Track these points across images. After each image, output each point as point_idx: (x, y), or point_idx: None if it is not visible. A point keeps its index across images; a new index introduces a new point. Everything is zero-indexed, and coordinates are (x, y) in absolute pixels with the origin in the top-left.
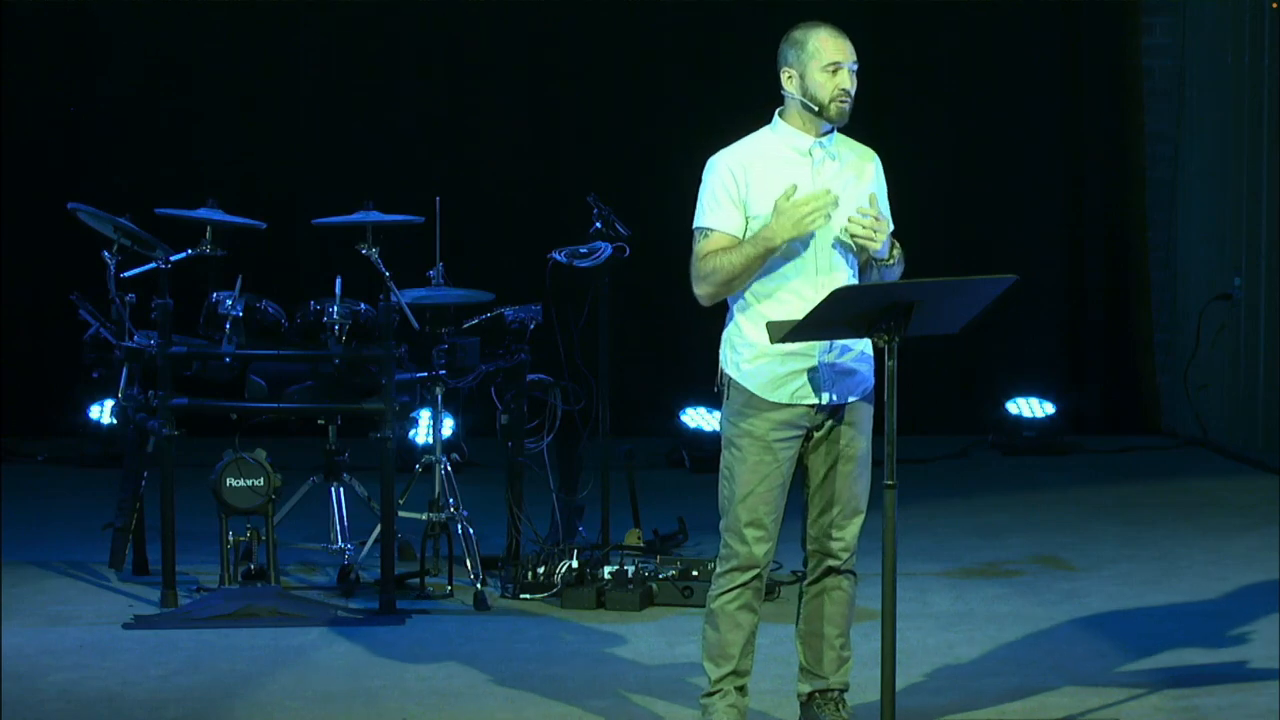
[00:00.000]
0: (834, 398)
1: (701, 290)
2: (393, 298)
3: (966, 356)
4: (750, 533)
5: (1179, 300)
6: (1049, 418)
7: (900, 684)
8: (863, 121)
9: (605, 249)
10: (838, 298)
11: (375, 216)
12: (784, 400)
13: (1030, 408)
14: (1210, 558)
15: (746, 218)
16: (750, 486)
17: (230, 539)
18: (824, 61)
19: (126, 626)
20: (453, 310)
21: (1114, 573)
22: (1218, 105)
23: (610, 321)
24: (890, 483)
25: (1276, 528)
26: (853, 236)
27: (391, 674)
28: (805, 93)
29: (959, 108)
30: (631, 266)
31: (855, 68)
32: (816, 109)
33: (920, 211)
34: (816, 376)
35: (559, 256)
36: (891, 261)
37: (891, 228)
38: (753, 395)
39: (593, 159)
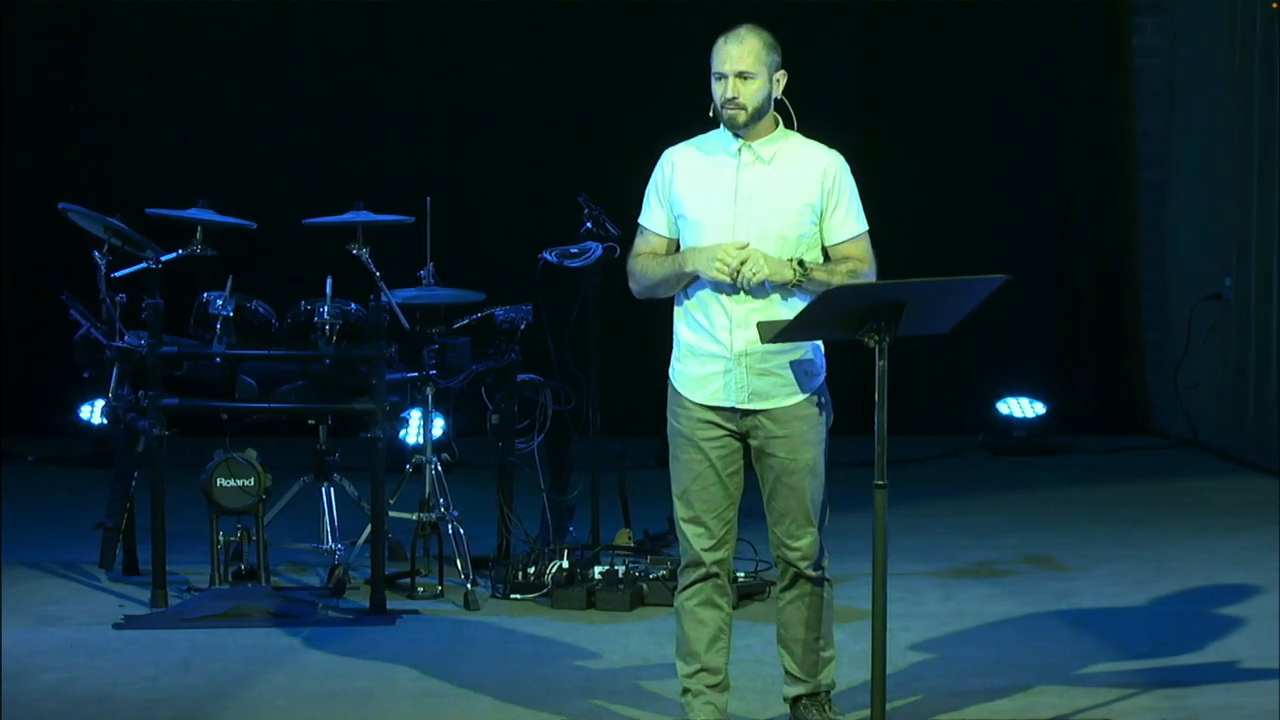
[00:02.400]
0: (753, 402)
1: (632, 286)
2: (383, 298)
3: (957, 356)
4: (689, 529)
5: (1170, 300)
6: (1040, 418)
7: (891, 684)
8: (855, 121)
9: (596, 249)
10: (828, 298)
11: (366, 216)
12: (704, 401)
13: (1021, 408)
14: (1201, 557)
15: (672, 217)
16: (684, 484)
17: (221, 539)
18: (712, 70)
19: (117, 627)
20: (443, 310)
21: (1105, 573)
22: (1208, 106)
23: (601, 321)
24: (881, 483)
25: (1268, 527)
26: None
27: (382, 674)
28: (712, 100)
29: (950, 108)
30: (622, 266)
31: (748, 75)
32: (715, 114)
33: (912, 211)
34: (733, 380)
35: (550, 256)
36: (796, 282)
37: (855, 232)
38: (680, 394)
39: (583, 159)
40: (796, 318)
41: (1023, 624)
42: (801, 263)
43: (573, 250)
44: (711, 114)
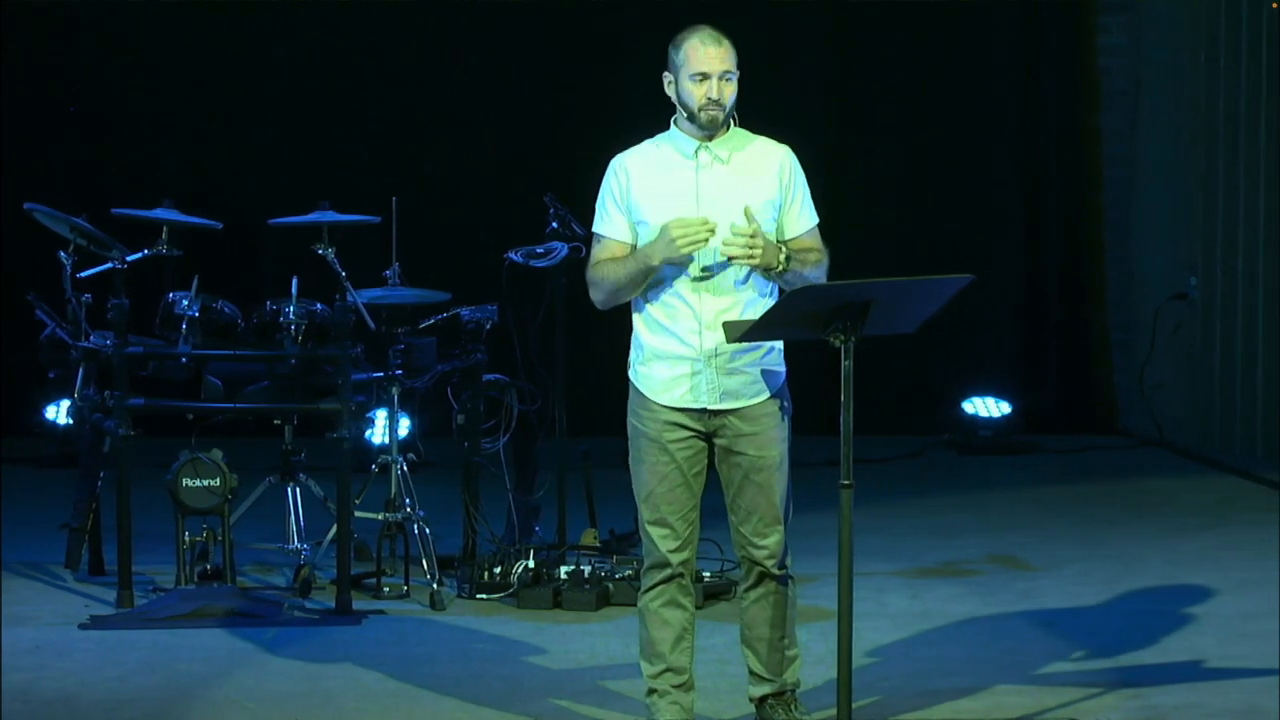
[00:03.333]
0: (724, 402)
1: (593, 295)
2: (349, 298)
3: (923, 356)
4: (655, 531)
5: (1135, 300)
6: (1005, 417)
7: (856, 684)
8: (821, 120)
9: (561, 249)
10: (793, 298)
11: (331, 216)
12: (673, 403)
13: (986, 407)
14: (1166, 557)
15: (632, 223)
16: (650, 486)
17: (186, 539)
18: (692, 70)
19: (83, 627)
20: (409, 310)
21: (1070, 572)
22: (1174, 105)
23: (566, 321)
24: (846, 483)
25: (1233, 527)
26: (729, 258)
27: (348, 674)
28: (680, 99)
29: (916, 107)
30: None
31: (730, 76)
32: (688, 115)
33: (877, 211)
34: (703, 381)
35: (515, 257)
36: (780, 270)
37: (811, 224)
38: (645, 397)
39: (549, 159)
40: (763, 317)
41: (988, 623)
42: (786, 249)
43: (538, 250)
44: (687, 116)
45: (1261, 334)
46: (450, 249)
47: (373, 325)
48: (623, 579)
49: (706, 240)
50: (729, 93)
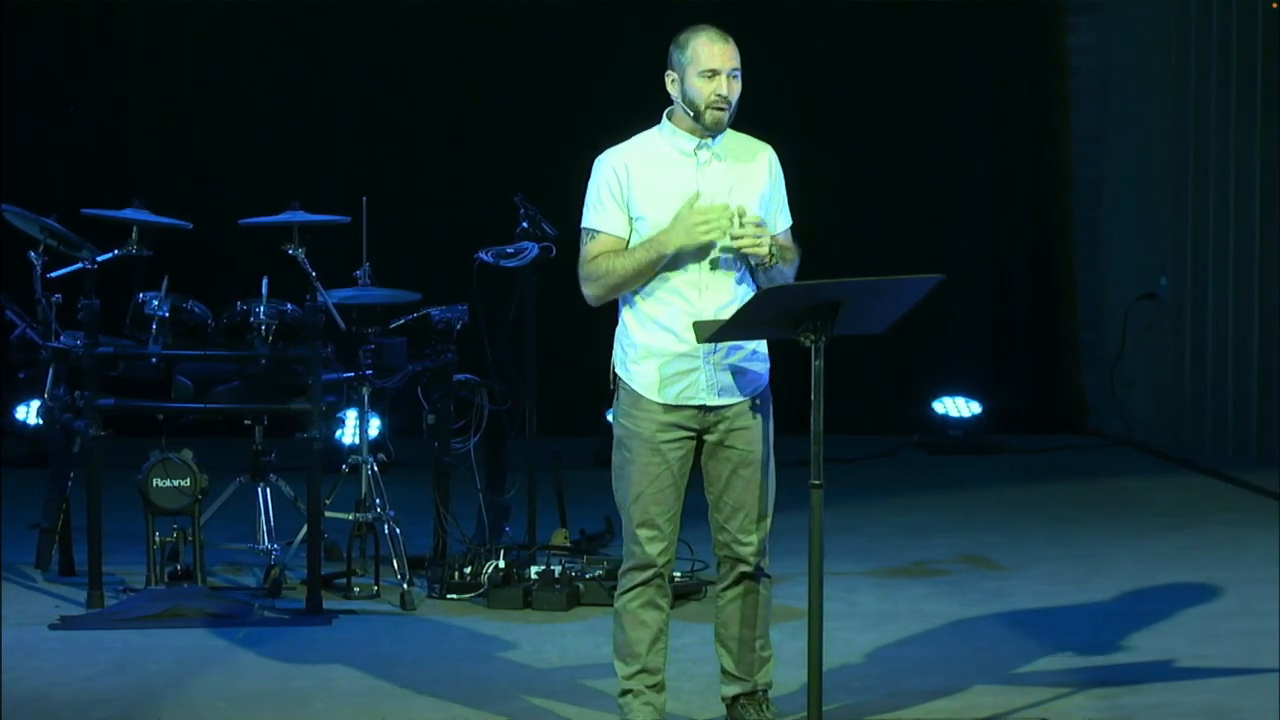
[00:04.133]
0: (722, 398)
1: (589, 291)
2: (319, 298)
3: (893, 356)
4: (643, 533)
5: (1105, 300)
6: (975, 417)
7: (827, 684)
8: (790, 121)
9: (531, 249)
10: (764, 298)
11: (301, 216)
12: (670, 401)
13: (957, 407)
14: (1136, 556)
15: (630, 218)
16: (640, 488)
17: (157, 539)
18: (701, 67)
19: (53, 627)
20: (379, 310)
21: (1041, 572)
22: (1143, 105)
23: (537, 321)
24: (817, 482)
25: (1203, 526)
26: (740, 250)
27: (318, 674)
28: (685, 97)
29: (886, 108)
30: (558, 266)
31: (737, 74)
32: (693, 114)
33: (847, 211)
34: (701, 377)
35: (485, 256)
36: (770, 264)
37: (789, 223)
38: (639, 396)
39: (519, 159)
40: (734, 317)
41: (959, 623)
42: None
43: (509, 250)
44: (693, 114)
45: (1231, 334)
46: (420, 249)
47: (343, 325)
48: (593, 579)
49: (728, 227)
50: (736, 90)
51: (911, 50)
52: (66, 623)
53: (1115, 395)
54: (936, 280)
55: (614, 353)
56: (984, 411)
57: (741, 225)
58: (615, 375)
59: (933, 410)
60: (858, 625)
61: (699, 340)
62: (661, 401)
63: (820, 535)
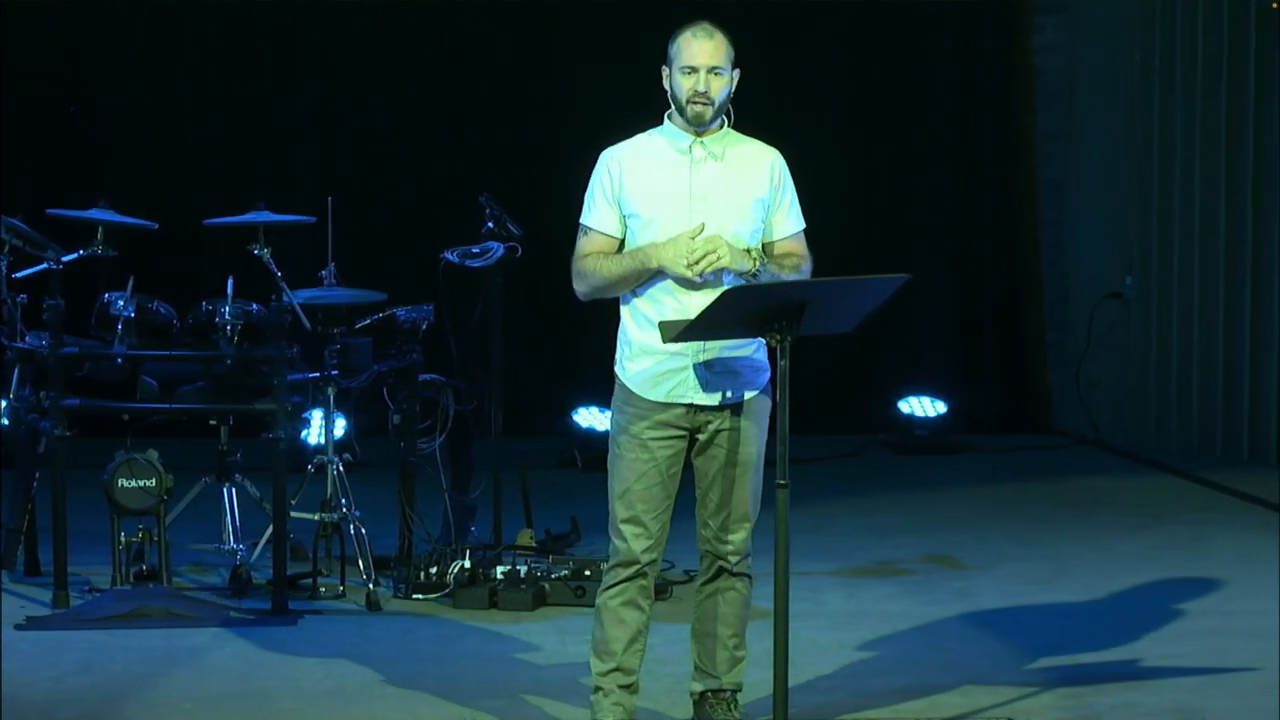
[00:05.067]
0: (711, 398)
1: (578, 286)
2: (285, 298)
3: (859, 356)
4: (628, 529)
5: (1070, 299)
6: (941, 417)
7: (793, 683)
8: (757, 121)
9: (497, 249)
10: (729, 298)
11: (267, 217)
12: (660, 399)
13: (922, 407)
14: (1102, 556)
15: (623, 216)
16: (627, 484)
17: (122, 540)
18: (682, 63)
19: (18, 628)
20: (345, 310)
21: (1006, 571)
22: (1109, 105)
23: (502, 322)
24: (782, 482)
25: (1169, 525)
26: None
27: (284, 674)
28: (672, 92)
29: (852, 107)
30: (523, 266)
31: (720, 70)
32: (678, 109)
33: (814, 211)
34: (692, 376)
35: (451, 256)
36: (754, 269)
37: (797, 228)
38: (632, 393)
39: (484, 159)
40: (699, 317)
41: (924, 623)
42: (756, 250)
43: (474, 250)
44: (679, 110)
45: (1197, 333)
46: (386, 249)
47: (308, 325)
48: (559, 579)
49: (713, 263)
50: (717, 87)
51: (878, 50)
52: (32, 623)
53: (1081, 395)
54: (903, 280)
55: (616, 350)
56: (950, 411)
57: (691, 253)
58: (616, 373)
59: (899, 410)
60: (824, 625)
61: (664, 340)
62: (652, 399)
63: (786, 535)
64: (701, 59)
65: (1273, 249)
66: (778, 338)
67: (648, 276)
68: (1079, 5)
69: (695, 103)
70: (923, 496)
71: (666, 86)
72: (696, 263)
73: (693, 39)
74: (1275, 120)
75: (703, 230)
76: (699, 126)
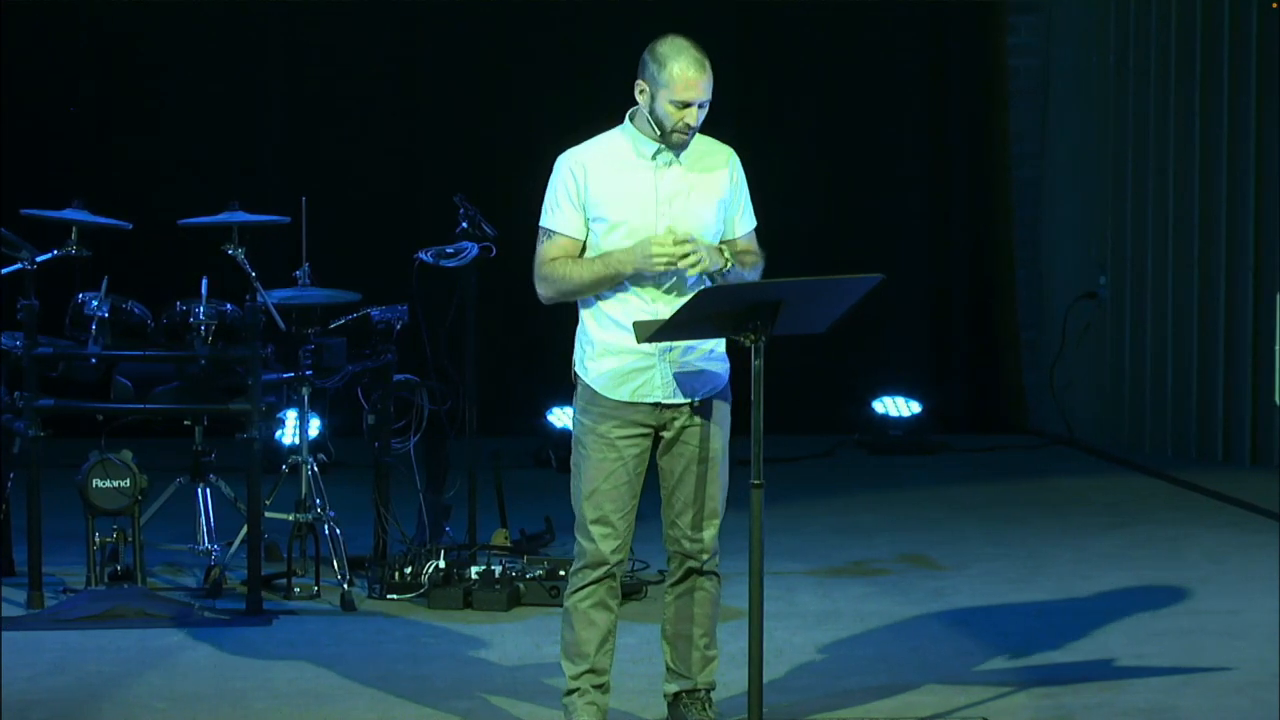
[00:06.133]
0: (677, 396)
1: (543, 291)
2: (259, 298)
3: (833, 355)
4: (596, 530)
5: (1044, 299)
6: (915, 417)
7: (767, 683)
8: (727, 119)
9: (471, 249)
10: (703, 298)
11: (241, 217)
12: (625, 398)
13: (896, 407)
14: (1076, 556)
15: (586, 220)
16: (595, 484)
17: (97, 540)
18: (675, 96)
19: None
20: (319, 310)
21: (980, 571)
22: (1083, 105)
23: (477, 321)
24: (757, 482)
25: (1143, 525)
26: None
27: (258, 675)
28: (652, 113)
29: (823, 107)
30: (498, 266)
31: (706, 102)
32: (659, 131)
33: (786, 211)
34: (656, 375)
35: (425, 256)
36: (725, 269)
37: (751, 226)
38: (596, 393)
39: (458, 158)
40: (673, 317)
41: (899, 623)
42: (726, 249)
43: (448, 250)
44: (658, 130)
45: (1171, 333)
46: (360, 249)
47: (283, 325)
48: (534, 579)
49: (683, 261)
50: (702, 117)
51: (850, 49)
52: (7, 623)
53: (1055, 394)
54: (876, 280)
55: (575, 351)
56: (924, 411)
57: (661, 249)
58: (575, 374)
59: (873, 410)
60: (798, 625)
61: (638, 340)
62: (617, 399)
63: (760, 534)
64: (695, 94)
65: (1247, 249)
66: (751, 338)
67: (618, 283)
68: (1052, 5)
69: (680, 132)
70: (897, 496)
71: (642, 101)
72: (682, 258)
73: (687, 72)
74: (1250, 120)
75: (670, 234)
76: (678, 150)
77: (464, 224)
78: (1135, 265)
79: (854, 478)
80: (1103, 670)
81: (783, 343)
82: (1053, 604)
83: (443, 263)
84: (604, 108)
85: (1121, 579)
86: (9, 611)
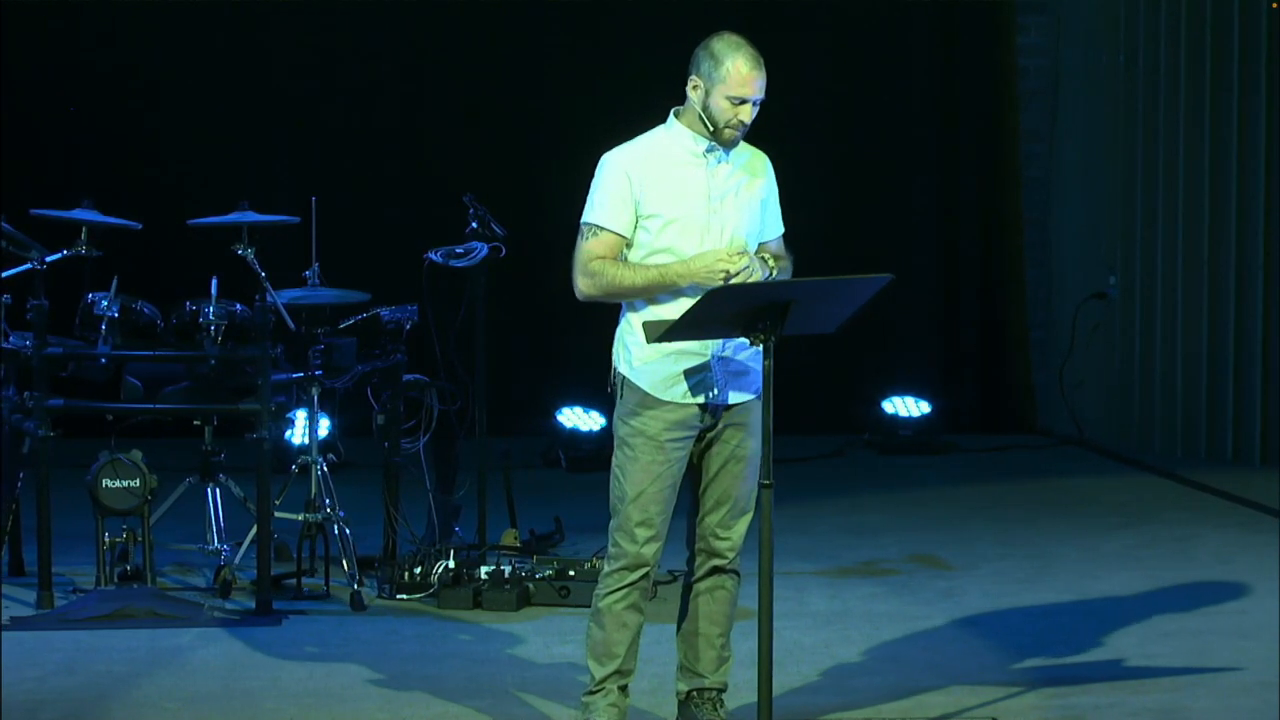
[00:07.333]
0: (726, 397)
1: (585, 287)
2: (269, 298)
3: (843, 356)
4: (641, 532)
5: (1054, 299)
6: (925, 417)
7: (777, 683)
8: None
9: (481, 249)
10: (713, 298)
11: (251, 217)
12: (676, 399)
13: (906, 407)
14: (1085, 556)
15: (638, 216)
16: (642, 486)
17: (106, 540)
18: (732, 92)
19: (3, 628)
20: (329, 310)
21: (990, 571)
22: (1092, 105)
23: (486, 321)
24: (767, 482)
25: (1152, 525)
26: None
27: (268, 675)
28: (705, 109)
29: (833, 108)
30: (507, 266)
31: (760, 100)
32: (711, 128)
33: (795, 211)
34: (709, 376)
35: (435, 256)
36: (773, 277)
37: (781, 230)
38: (645, 394)
39: (468, 159)
40: (684, 317)
41: (908, 623)
42: (769, 258)
43: (458, 250)
44: (710, 127)
45: (1180, 333)
46: (370, 249)
47: (293, 325)
48: (543, 579)
49: (739, 276)
50: (754, 114)
51: (860, 50)
52: (16, 623)
53: (1064, 394)
54: (886, 280)
55: (615, 352)
56: (933, 411)
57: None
58: (617, 375)
59: (882, 410)
60: (808, 625)
61: (648, 340)
62: (669, 400)
63: (770, 534)
64: (751, 91)
65: (1257, 248)
66: (761, 338)
67: (669, 291)
68: (1061, 5)
69: (733, 129)
70: (907, 496)
71: (695, 97)
72: (736, 274)
73: (744, 68)
74: (1261, 119)
75: (733, 245)
76: (729, 147)
77: (473, 224)
78: (1145, 265)
79: (863, 478)
80: (1112, 670)
81: (792, 343)
82: (1062, 604)
83: (452, 263)
84: (616, 109)
85: (1131, 579)
86: (19, 611)
